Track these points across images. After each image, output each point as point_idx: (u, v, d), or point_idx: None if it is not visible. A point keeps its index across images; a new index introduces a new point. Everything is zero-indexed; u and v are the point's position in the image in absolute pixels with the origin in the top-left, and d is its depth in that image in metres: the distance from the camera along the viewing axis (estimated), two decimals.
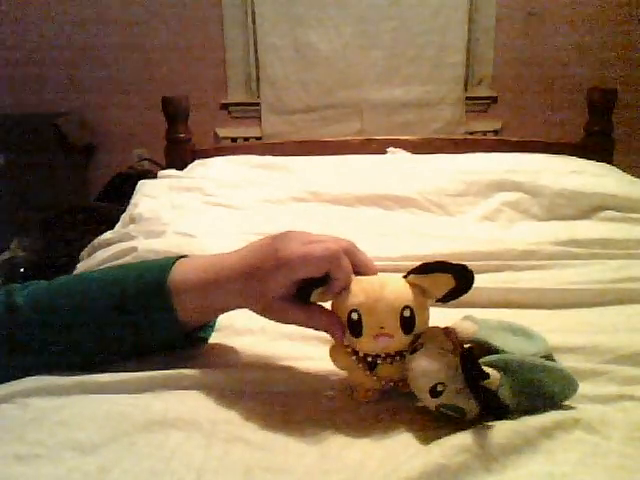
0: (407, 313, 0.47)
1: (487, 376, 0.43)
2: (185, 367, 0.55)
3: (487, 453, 0.41)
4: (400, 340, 0.48)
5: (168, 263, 0.55)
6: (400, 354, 0.49)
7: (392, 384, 0.50)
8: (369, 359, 0.49)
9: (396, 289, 0.48)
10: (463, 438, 0.42)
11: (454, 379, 0.44)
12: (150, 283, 0.54)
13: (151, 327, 0.55)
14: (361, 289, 0.49)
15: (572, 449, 0.43)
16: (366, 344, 0.48)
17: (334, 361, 0.51)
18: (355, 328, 0.48)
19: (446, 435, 0.43)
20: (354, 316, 0.48)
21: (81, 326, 0.55)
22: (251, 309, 0.54)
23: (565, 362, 0.51)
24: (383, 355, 0.49)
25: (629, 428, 0.45)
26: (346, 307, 0.49)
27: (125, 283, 0.55)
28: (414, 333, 0.48)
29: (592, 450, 0.43)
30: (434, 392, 0.45)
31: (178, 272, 0.54)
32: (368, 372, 0.50)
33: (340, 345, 0.50)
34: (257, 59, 2.58)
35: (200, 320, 0.58)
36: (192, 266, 0.56)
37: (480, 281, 0.80)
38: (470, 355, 0.43)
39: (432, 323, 0.50)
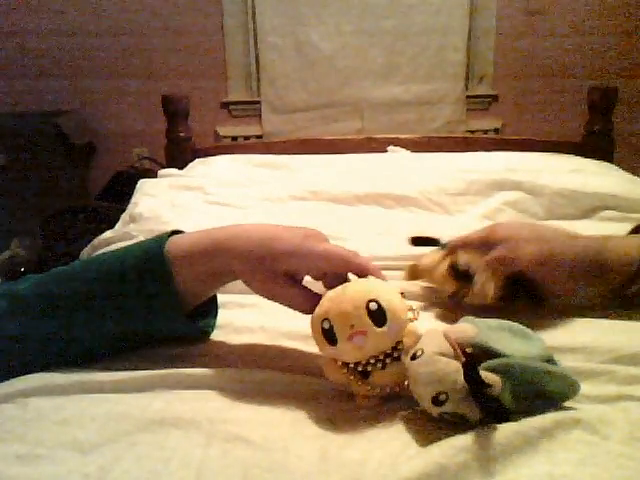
0: (373, 306, 0.47)
1: (489, 385, 0.42)
2: (185, 367, 0.55)
3: (487, 453, 0.41)
4: (375, 335, 0.47)
5: (165, 234, 0.57)
6: (391, 356, 0.49)
7: (389, 390, 0.49)
8: (359, 368, 0.49)
9: (358, 286, 0.49)
10: (463, 439, 0.42)
11: (456, 387, 0.43)
12: (148, 252, 0.55)
13: (151, 300, 0.54)
14: (327, 298, 0.49)
15: (572, 449, 0.43)
16: (345, 349, 0.48)
17: (328, 376, 0.51)
18: (330, 336, 0.48)
19: (446, 435, 0.43)
20: (325, 325, 0.48)
21: (83, 308, 0.55)
22: (248, 281, 0.55)
23: (565, 362, 0.51)
24: (372, 361, 0.48)
25: (629, 428, 0.45)
26: (318, 317, 0.49)
27: (124, 256, 0.56)
28: (388, 325, 0.47)
29: (592, 450, 0.43)
30: (437, 401, 0.44)
31: (175, 240, 0.56)
32: (361, 382, 0.49)
33: (331, 360, 0.50)
34: (257, 58, 2.58)
35: (198, 290, 0.57)
36: (191, 234, 0.57)
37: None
38: (472, 365, 0.43)
39: (436, 323, 0.50)
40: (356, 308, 0.47)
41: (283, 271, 0.53)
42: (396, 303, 0.48)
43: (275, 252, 0.52)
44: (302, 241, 0.53)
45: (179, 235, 0.57)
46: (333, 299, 0.48)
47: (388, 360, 0.49)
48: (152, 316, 0.56)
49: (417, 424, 0.48)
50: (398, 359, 0.49)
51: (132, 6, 2.51)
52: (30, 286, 0.57)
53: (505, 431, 0.43)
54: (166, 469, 0.42)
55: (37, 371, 0.54)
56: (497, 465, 0.41)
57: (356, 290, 0.48)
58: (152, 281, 0.54)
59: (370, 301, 0.47)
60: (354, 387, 0.50)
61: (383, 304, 0.47)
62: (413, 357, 0.46)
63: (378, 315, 0.47)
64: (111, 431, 0.46)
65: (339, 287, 0.50)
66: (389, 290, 0.49)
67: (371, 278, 0.51)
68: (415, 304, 0.54)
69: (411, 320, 0.50)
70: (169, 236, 0.57)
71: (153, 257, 0.54)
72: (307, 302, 0.52)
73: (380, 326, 0.47)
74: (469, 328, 0.48)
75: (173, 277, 0.53)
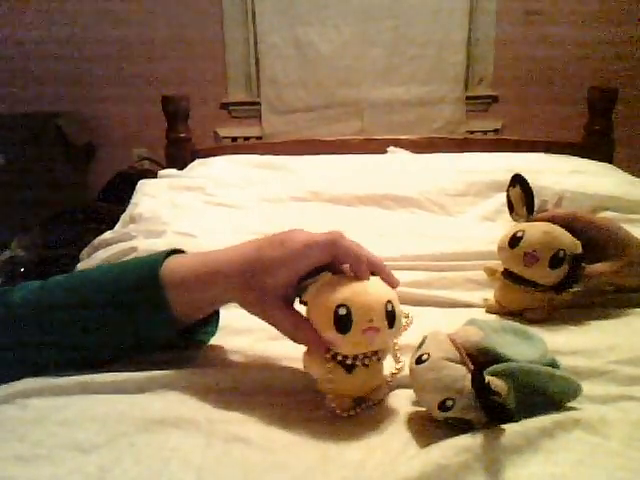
0: (390, 307, 0.48)
1: (497, 393, 0.42)
2: (185, 367, 0.55)
3: (487, 454, 0.41)
4: (384, 335, 0.48)
5: (160, 257, 0.56)
6: (376, 354, 0.49)
7: (366, 403, 0.50)
8: (348, 362, 0.48)
9: (377, 284, 0.50)
10: (463, 438, 0.42)
11: (463, 393, 0.43)
12: (143, 277, 0.54)
13: (145, 322, 0.54)
14: (345, 285, 0.49)
15: (572, 449, 0.43)
16: (353, 340, 0.47)
17: (309, 369, 0.51)
18: (343, 324, 0.47)
19: (446, 436, 0.43)
20: (342, 311, 0.47)
21: (76, 323, 0.55)
22: (243, 304, 0.54)
23: (566, 362, 0.51)
24: (361, 356, 0.48)
25: (629, 428, 0.45)
26: (333, 302, 0.48)
27: (119, 279, 0.55)
28: (395, 328, 0.49)
29: (592, 450, 0.43)
30: (443, 407, 0.44)
31: (171, 265, 0.55)
32: (343, 376, 0.49)
33: (318, 351, 0.49)
34: (257, 58, 2.58)
35: (194, 315, 0.57)
36: (186, 260, 0.56)
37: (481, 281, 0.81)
38: (480, 372, 0.42)
39: (436, 323, 0.50)
40: (379, 305, 0.48)
41: (273, 288, 0.51)
42: (400, 308, 0.50)
43: (264, 267, 0.51)
44: (283, 249, 0.51)
45: (175, 259, 0.56)
46: (354, 289, 0.48)
47: (374, 358, 0.49)
48: (146, 334, 0.55)
49: (417, 424, 0.48)
50: (379, 361, 0.50)
51: (132, 6, 2.51)
52: (25, 295, 0.56)
53: (506, 431, 0.43)
54: (166, 469, 0.42)
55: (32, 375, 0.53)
56: (497, 465, 0.41)
57: (378, 287, 0.50)
58: (146, 307, 0.53)
59: (388, 301, 0.48)
60: (336, 381, 0.49)
61: (395, 307, 0.49)
62: (418, 361, 0.46)
63: (392, 316, 0.48)
64: (111, 431, 0.46)
65: (360, 282, 0.49)
66: (395, 294, 0.51)
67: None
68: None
69: (405, 328, 0.51)
70: (166, 256, 0.56)
71: (148, 283, 0.53)
72: (293, 326, 0.51)
73: (391, 327, 0.48)
74: (474, 332, 0.48)
75: (168, 304, 0.53)
